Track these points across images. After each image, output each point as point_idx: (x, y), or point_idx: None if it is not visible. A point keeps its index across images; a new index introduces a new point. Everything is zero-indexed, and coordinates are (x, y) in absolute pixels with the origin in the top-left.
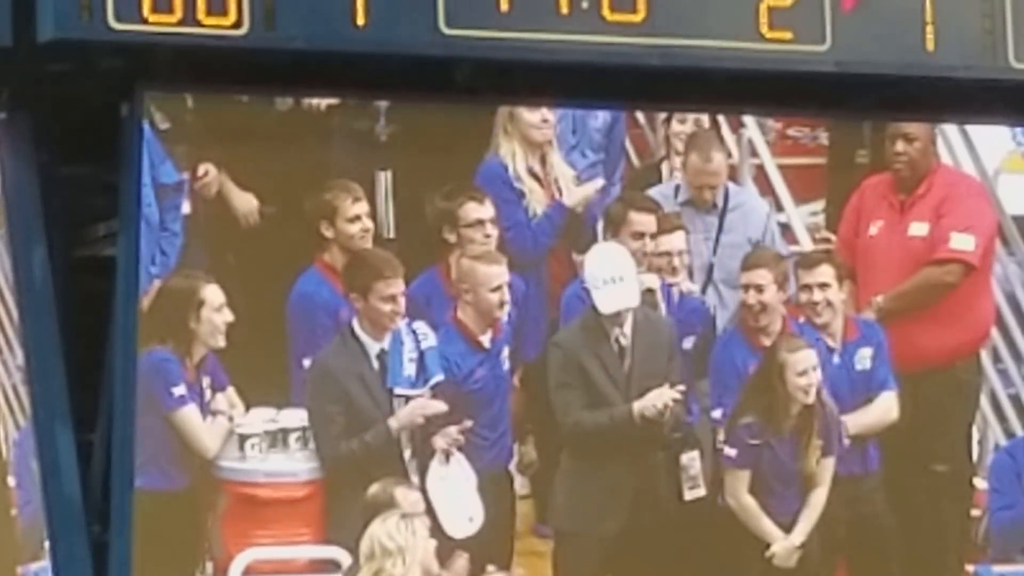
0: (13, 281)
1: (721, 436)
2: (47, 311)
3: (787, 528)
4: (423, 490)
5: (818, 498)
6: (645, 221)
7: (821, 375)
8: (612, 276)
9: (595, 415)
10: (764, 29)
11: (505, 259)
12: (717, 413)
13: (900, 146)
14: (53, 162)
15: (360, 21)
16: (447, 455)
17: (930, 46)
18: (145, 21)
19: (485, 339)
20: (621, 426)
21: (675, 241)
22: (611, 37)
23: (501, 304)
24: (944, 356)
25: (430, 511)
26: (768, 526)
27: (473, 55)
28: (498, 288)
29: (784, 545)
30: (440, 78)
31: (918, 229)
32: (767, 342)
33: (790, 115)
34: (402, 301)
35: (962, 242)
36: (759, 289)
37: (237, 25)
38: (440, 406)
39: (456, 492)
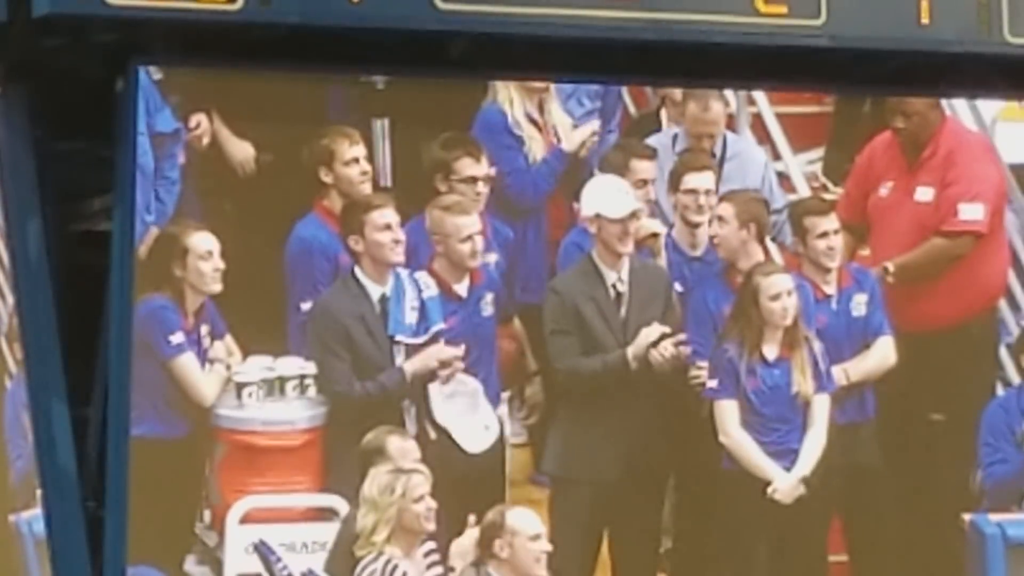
0: (8, 256)
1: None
2: (42, 285)
3: (787, 467)
4: (431, 418)
5: (817, 435)
6: (647, 168)
7: (819, 323)
8: (616, 187)
9: (590, 361)
10: (759, 3)
11: (476, 209)
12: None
13: (900, 122)
14: (48, 137)
15: None
16: (447, 377)
17: (925, 20)
18: None
19: (460, 288)
20: (615, 371)
21: (703, 179)
22: (607, 12)
23: (473, 254)
24: (956, 319)
25: (443, 434)
26: (765, 462)
27: (468, 30)
28: (468, 238)
29: (788, 480)
30: (435, 53)
31: (924, 194)
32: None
33: (785, 89)
34: (399, 231)
35: (971, 212)
36: (720, 221)
37: (232, 0)
38: (454, 351)
39: (465, 406)
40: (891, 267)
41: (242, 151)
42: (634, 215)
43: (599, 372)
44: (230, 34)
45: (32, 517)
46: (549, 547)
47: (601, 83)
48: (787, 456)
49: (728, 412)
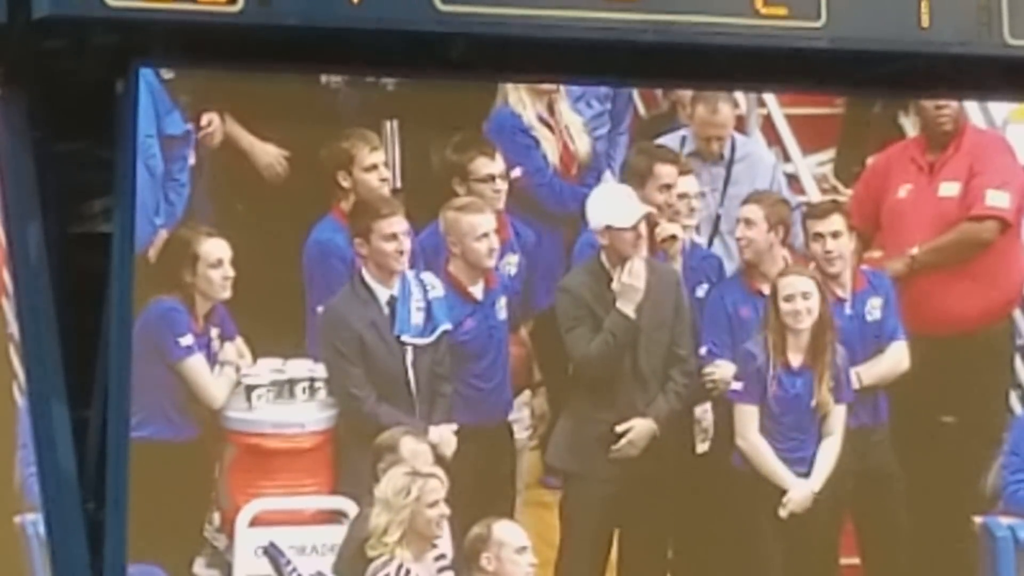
0: (8, 258)
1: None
2: (42, 288)
3: (801, 474)
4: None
5: (833, 445)
6: (670, 172)
7: (834, 327)
8: (622, 195)
9: (597, 340)
10: (759, 5)
11: (489, 208)
12: (703, 350)
13: (918, 123)
14: (48, 139)
15: None
16: None
17: (925, 22)
18: None
19: (476, 290)
20: (622, 334)
21: (689, 184)
22: (606, 13)
23: (489, 252)
24: (976, 316)
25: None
26: (779, 468)
27: (468, 31)
28: (484, 236)
29: (801, 491)
30: (435, 55)
31: (948, 189)
32: (764, 286)
33: (785, 91)
34: (405, 240)
35: (998, 199)
36: (747, 223)
37: (232, 1)
38: None
39: None
40: (916, 251)
41: (266, 155)
42: (643, 220)
43: (608, 345)
44: (230, 37)
45: (37, 520)
46: (535, 560)
47: (601, 84)
48: (801, 464)
49: (748, 416)
